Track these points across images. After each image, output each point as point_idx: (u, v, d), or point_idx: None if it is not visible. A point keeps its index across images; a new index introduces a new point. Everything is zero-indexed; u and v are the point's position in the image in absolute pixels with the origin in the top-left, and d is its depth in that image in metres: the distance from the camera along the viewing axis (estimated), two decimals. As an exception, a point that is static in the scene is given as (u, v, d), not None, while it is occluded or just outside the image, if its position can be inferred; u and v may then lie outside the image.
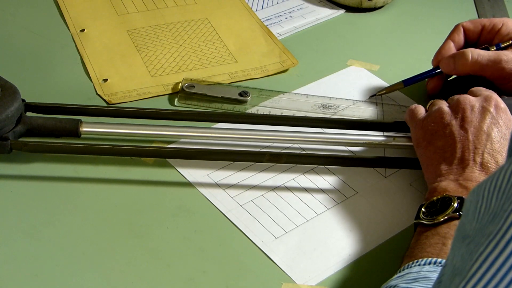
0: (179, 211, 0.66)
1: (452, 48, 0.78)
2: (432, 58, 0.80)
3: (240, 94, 0.80)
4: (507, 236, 0.32)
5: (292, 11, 0.98)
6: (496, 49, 0.76)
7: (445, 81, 0.81)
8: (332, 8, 0.98)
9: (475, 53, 0.75)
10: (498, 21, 0.78)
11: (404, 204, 0.68)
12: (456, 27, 0.80)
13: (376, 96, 0.82)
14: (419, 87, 0.82)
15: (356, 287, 0.61)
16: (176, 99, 0.80)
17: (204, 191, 0.68)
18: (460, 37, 0.79)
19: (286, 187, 0.70)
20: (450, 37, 0.79)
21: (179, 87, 0.81)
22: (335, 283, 0.61)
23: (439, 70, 0.79)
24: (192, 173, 0.70)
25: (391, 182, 0.71)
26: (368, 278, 0.61)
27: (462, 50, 0.76)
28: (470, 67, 0.75)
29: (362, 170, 0.71)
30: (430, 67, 0.81)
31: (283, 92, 0.81)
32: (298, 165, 0.71)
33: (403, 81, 0.81)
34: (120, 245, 0.63)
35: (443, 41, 0.80)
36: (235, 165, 0.71)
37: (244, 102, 0.80)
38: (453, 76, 0.82)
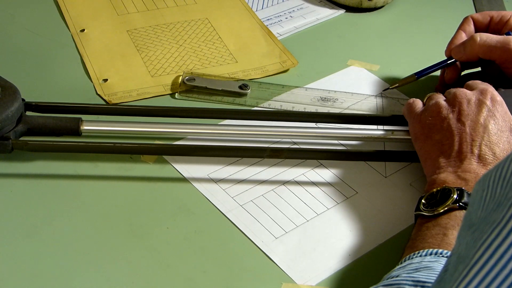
0: (179, 211, 0.66)
1: (463, 38, 0.79)
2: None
3: (240, 87, 0.81)
4: (510, 224, 0.32)
5: (292, 11, 0.98)
6: None
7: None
8: (332, 8, 0.99)
9: (483, 36, 0.75)
10: (506, 13, 0.79)
11: (404, 204, 0.68)
12: (466, 18, 0.80)
13: (389, 90, 0.82)
14: (419, 84, 0.82)
15: (356, 287, 0.61)
16: (176, 93, 0.80)
17: (204, 191, 0.68)
18: (470, 27, 0.80)
19: (286, 187, 0.70)
20: (461, 28, 0.80)
21: (180, 80, 0.81)
22: (335, 283, 0.61)
23: (452, 60, 0.79)
24: (193, 173, 0.70)
25: (391, 182, 0.71)
26: (368, 278, 0.61)
27: (471, 35, 0.77)
28: (479, 49, 0.75)
29: (362, 170, 0.71)
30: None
31: (282, 86, 0.82)
32: (297, 165, 0.71)
33: (416, 73, 0.81)
34: (120, 244, 0.63)
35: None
36: (235, 165, 0.71)
37: (244, 95, 0.80)
38: (464, 72, 0.82)
